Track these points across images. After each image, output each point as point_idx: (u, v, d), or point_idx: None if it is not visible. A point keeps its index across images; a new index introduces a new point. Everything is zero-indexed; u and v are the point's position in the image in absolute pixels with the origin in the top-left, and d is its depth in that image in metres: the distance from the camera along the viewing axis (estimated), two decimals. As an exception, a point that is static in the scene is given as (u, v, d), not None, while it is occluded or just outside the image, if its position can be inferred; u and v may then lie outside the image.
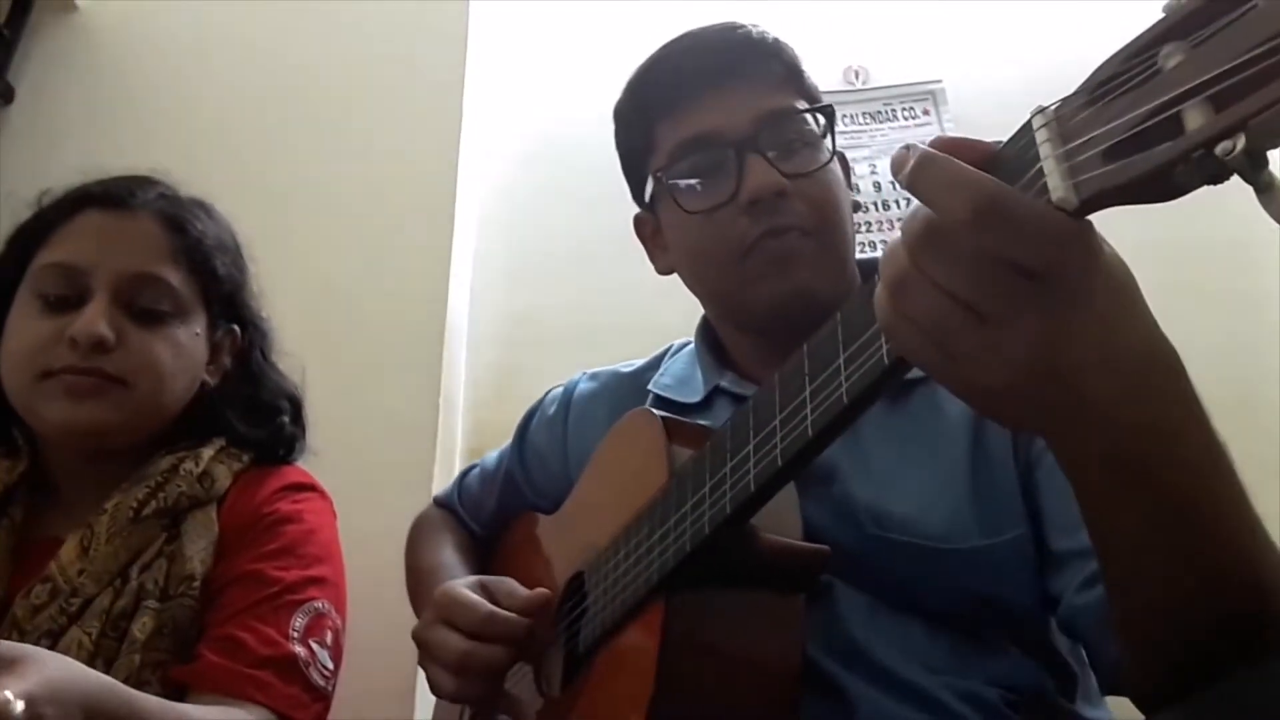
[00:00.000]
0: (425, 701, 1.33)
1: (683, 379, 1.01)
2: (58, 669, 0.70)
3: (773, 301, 0.90)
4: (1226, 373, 1.64)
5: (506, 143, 2.00)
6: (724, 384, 0.96)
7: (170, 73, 1.85)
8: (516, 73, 2.07)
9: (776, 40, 0.97)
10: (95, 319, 0.96)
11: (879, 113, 2.00)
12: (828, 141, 0.94)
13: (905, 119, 1.98)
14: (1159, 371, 0.50)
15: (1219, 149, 0.36)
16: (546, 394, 1.17)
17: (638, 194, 1.03)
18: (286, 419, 1.12)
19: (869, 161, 1.94)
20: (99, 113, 1.79)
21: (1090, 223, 0.45)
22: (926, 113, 1.98)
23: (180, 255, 1.04)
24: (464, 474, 1.23)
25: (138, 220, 1.03)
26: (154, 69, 1.86)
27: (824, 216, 0.90)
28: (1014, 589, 0.78)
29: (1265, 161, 0.36)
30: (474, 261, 1.85)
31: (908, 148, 0.47)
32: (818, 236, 0.89)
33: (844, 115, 2.01)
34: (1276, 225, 0.37)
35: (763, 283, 0.90)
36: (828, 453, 0.82)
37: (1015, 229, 0.43)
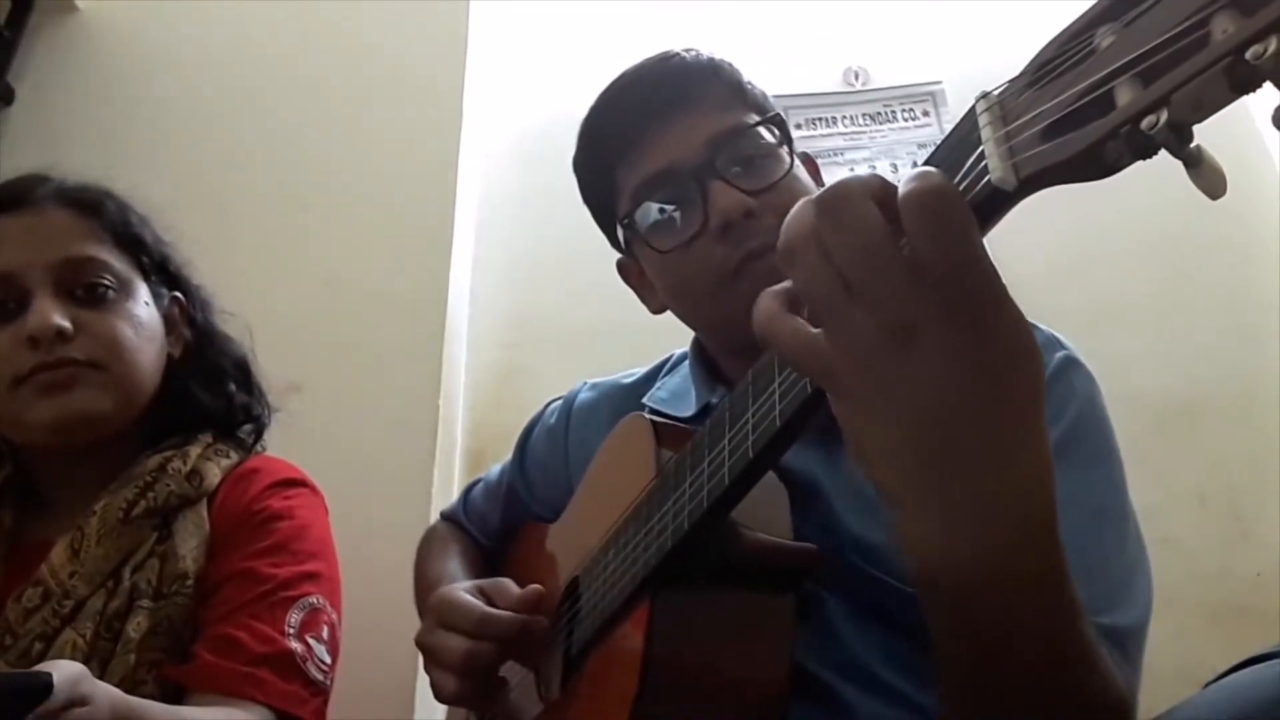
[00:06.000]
0: (425, 702, 1.33)
1: (677, 394, 1.01)
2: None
3: None
4: (1226, 372, 1.64)
5: (506, 143, 2.01)
6: (715, 400, 0.95)
7: (170, 73, 1.85)
8: (516, 73, 2.07)
9: (713, 60, 0.95)
10: (46, 312, 0.95)
11: (879, 114, 2.00)
12: (785, 150, 0.92)
13: (905, 120, 1.98)
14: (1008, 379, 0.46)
15: (1144, 123, 0.37)
16: (546, 406, 1.17)
17: (614, 242, 1.02)
18: (234, 385, 1.11)
19: (869, 163, 1.94)
20: (99, 113, 1.79)
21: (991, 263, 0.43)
22: (926, 114, 1.98)
23: (103, 232, 1.03)
24: (469, 488, 1.23)
25: (48, 213, 1.02)
26: (154, 69, 1.86)
27: None
28: None
29: (1189, 136, 0.37)
30: (474, 262, 1.85)
31: None
32: None
33: (844, 116, 2.01)
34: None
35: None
36: (810, 471, 0.81)
37: (943, 228, 0.42)
